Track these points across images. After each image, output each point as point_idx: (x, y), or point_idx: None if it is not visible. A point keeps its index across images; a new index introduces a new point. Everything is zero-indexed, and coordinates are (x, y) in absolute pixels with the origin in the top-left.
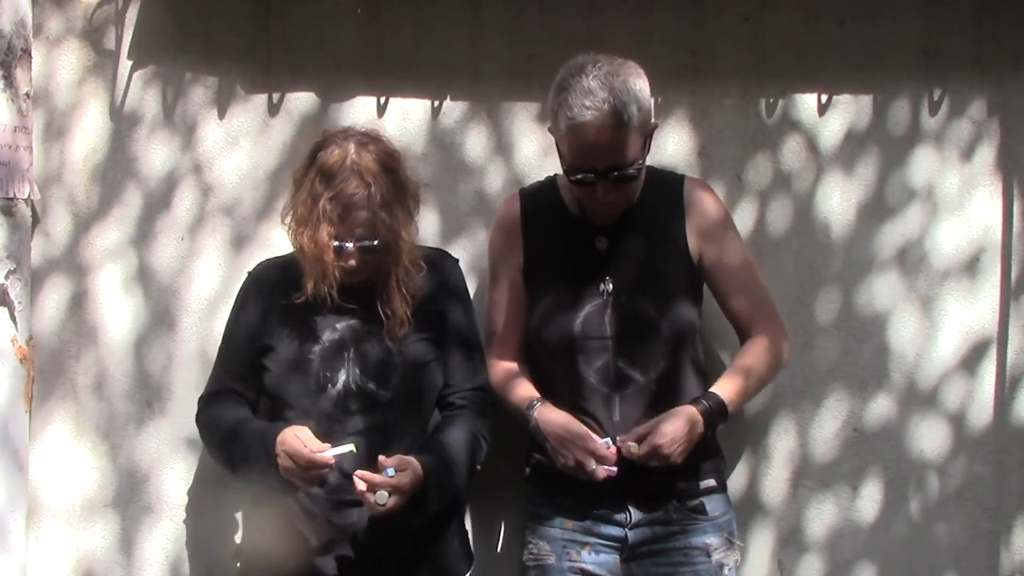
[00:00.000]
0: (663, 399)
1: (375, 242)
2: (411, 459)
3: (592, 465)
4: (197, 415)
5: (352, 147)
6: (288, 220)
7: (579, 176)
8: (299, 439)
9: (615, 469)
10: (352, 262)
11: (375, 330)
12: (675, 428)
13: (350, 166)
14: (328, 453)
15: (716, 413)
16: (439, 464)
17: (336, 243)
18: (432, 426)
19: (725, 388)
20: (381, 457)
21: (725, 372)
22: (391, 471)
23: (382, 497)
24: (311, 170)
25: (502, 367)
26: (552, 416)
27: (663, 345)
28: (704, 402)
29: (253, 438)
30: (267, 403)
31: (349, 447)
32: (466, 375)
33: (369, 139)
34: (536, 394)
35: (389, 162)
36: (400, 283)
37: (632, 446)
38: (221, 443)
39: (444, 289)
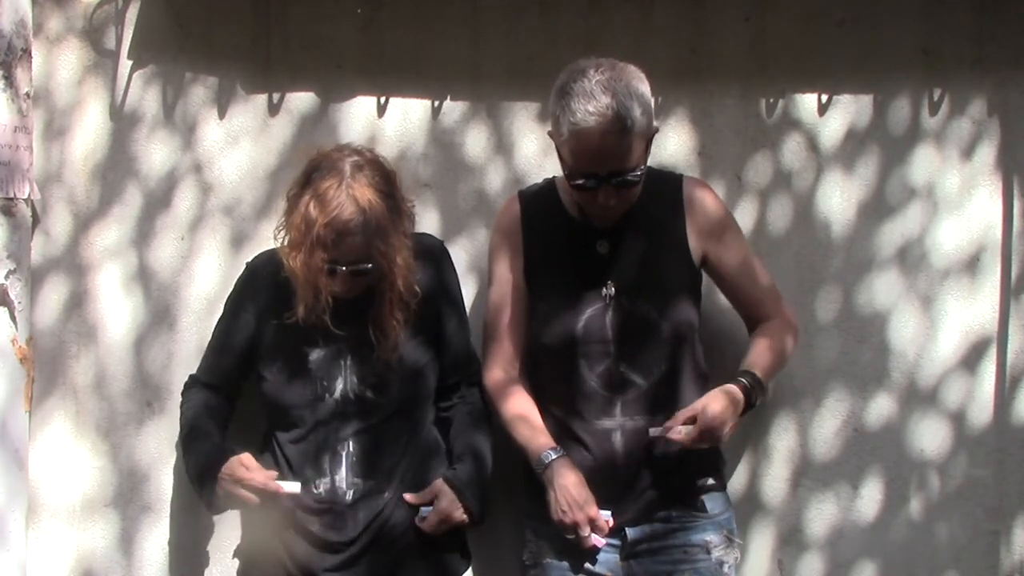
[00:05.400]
0: (663, 403)
1: (368, 265)
2: (437, 484)
3: (587, 532)
4: (183, 392)
5: (347, 169)
6: (282, 237)
7: (581, 181)
8: (244, 466)
9: (604, 542)
10: (344, 285)
11: (370, 342)
12: (723, 408)
13: (345, 190)
14: (282, 485)
15: (756, 390)
16: (466, 470)
17: (329, 266)
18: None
19: (759, 363)
20: (408, 496)
21: (751, 348)
22: (426, 510)
23: (424, 512)
24: (305, 192)
25: (500, 375)
26: (567, 472)
27: (664, 348)
28: (744, 380)
29: (205, 459)
30: (266, 409)
31: (296, 486)
32: (462, 366)
33: (364, 160)
34: (551, 441)
35: (383, 185)
36: (393, 307)
37: (681, 430)
38: (187, 456)
39: (438, 285)
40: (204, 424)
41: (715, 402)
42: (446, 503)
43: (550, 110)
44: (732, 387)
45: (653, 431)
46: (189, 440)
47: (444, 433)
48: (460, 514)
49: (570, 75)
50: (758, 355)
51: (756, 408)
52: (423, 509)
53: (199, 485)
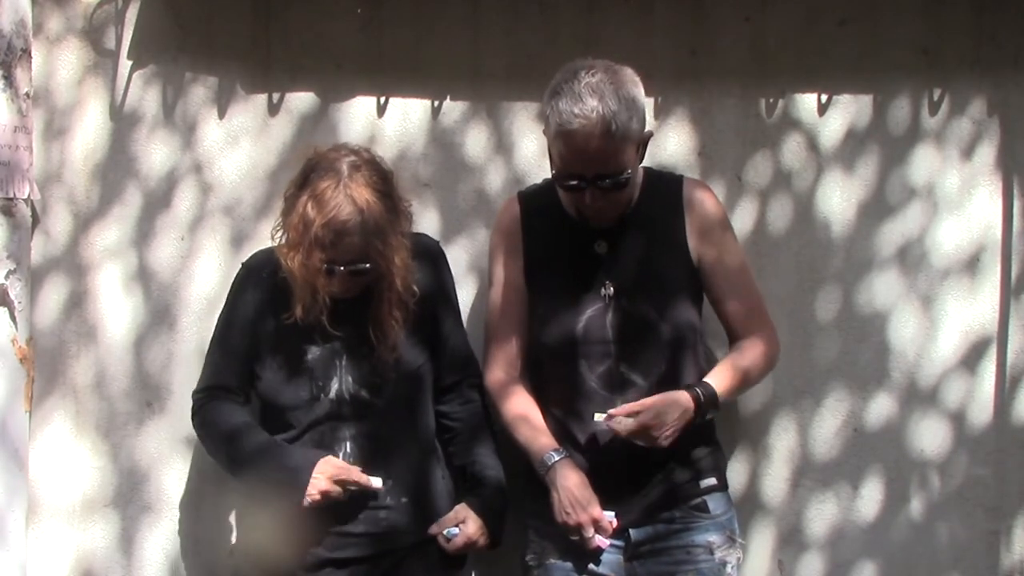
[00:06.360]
0: None
1: (366, 265)
2: (463, 510)
3: (591, 533)
4: (196, 411)
5: (344, 169)
6: (279, 237)
7: (567, 182)
8: (338, 466)
9: (608, 543)
10: (343, 286)
11: (367, 341)
12: (666, 412)
13: (342, 190)
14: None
15: (708, 403)
16: (489, 496)
17: (327, 266)
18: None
19: (720, 380)
20: (434, 528)
21: (721, 363)
22: (454, 530)
23: (451, 533)
24: (303, 193)
25: (501, 375)
26: (570, 473)
27: (664, 348)
28: (698, 390)
29: (289, 462)
30: (261, 407)
31: (379, 481)
32: (460, 366)
33: (361, 160)
34: (553, 442)
35: (381, 185)
36: (391, 307)
37: (623, 421)
38: (243, 457)
39: (435, 286)
40: (252, 424)
41: (661, 407)
42: (474, 529)
43: (542, 109)
44: (686, 395)
45: (598, 417)
46: (249, 439)
47: (441, 434)
48: (484, 539)
49: (563, 76)
50: (726, 371)
51: (754, 410)
52: (449, 530)
53: (292, 480)
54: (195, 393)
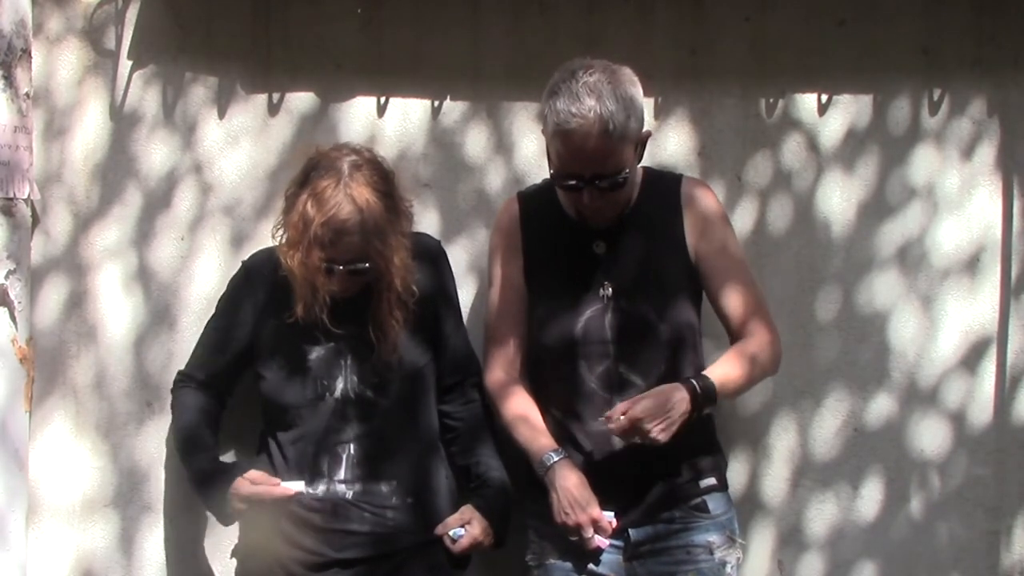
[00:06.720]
0: None
1: (365, 265)
2: (468, 511)
3: (590, 533)
4: (175, 388)
5: (345, 169)
6: (279, 236)
7: (565, 181)
8: (250, 481)
9: (607, 543)
10: (342, 285)
11: (369, 341)
12: (656, 404)
13: (342, 189)
14: (289, 485)
15: (705, 396)
16: (494, 496)
17: (326, 265)
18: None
19: (721, 372)
20: (440, 529)
21: (726, 355)
22: (460, 531)
23: (456, 534)
24: (303, 192)
25: (501, 375)
26: (569, 474)
27: (663, 349)
28: (694, 382)
29: (209, 477)
30: (263, 406)
31: (300, 484)
32: (461, 366)
33: (363, 160)
34: (553, 442)
35: (382, 185)
36: (391, 307)
37: (617, 419)
38: (181, 455)
39: (436, 285)
40: (201, 433)
41: (650, 399)
42: (479, 530)
43: (541, 109)
44: (680, 387)
45: (600, 421)
46: (189, 451)
47: (443, 433)
48: (489, 540)
49: (560, 75)
50: (730, 364)
51: (754, 410)
52: (455, 531)
53: (205, 499)
54: (178, 372)
